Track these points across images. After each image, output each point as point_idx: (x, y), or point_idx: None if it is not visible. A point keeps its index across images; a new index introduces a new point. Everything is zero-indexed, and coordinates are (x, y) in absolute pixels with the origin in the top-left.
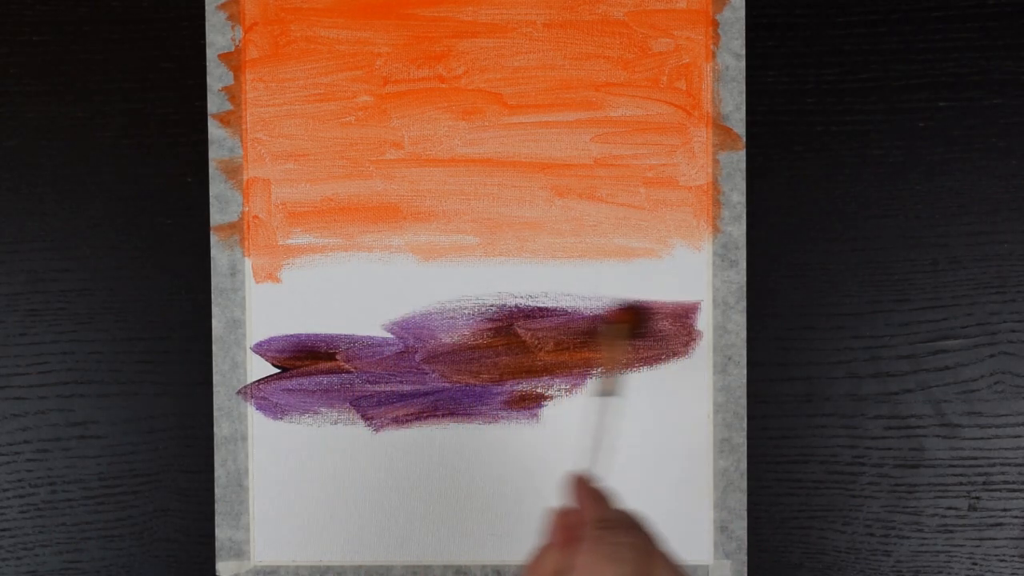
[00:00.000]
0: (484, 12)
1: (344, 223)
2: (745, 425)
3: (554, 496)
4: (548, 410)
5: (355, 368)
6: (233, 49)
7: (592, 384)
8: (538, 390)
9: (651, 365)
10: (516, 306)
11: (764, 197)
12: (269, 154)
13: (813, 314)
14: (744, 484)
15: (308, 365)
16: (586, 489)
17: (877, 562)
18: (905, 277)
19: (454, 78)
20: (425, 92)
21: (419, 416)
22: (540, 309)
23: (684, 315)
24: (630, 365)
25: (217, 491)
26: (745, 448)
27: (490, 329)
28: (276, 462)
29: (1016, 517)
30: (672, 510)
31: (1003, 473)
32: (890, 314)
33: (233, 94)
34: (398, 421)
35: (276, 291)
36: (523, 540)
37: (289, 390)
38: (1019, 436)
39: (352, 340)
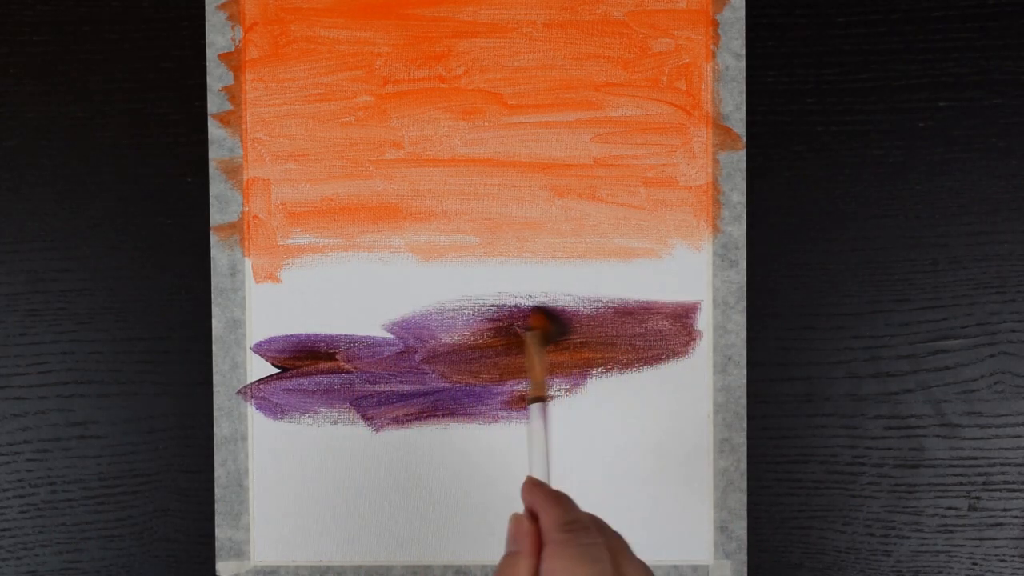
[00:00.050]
0: (484, 12)
1: (344, 223)
2: (745, 425)
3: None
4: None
5: (355, 368)
6: (233, 49)
7: (524, 391)
8: None
9: (651, 365)
10: (516, 306)
11: (764, 197)
12: (269, 154)
13: (813, 314)
14: (744, 484)
15: (308, 365)
16: (543, 493)
17: (877, 562)
18: (905, 277)
19: (454, 78)
20: (425, 92)
21: (419, 416)
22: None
23: (684, 315)
24: (553, 369)
25: (217, 491)
26: (745, 448)
27: (490, 329)
28: (276, 462)
29: (1016, 517)
30: (672, 510)
31: (1003, 473)
32: (890, 314)
33: (233, 94)
34: (398, 421)
35: (276, 291)
36: None
37: (289, 390)
38: (1019, 436)
39: (352, 340)
